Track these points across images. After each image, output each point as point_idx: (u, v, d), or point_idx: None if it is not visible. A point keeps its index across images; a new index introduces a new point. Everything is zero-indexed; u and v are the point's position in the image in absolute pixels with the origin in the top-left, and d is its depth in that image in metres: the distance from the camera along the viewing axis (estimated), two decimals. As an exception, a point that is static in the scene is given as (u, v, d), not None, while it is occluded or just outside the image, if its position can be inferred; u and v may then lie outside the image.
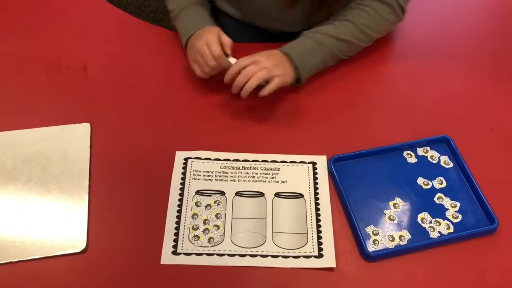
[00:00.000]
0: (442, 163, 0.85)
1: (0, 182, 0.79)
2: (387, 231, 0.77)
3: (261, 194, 0.80)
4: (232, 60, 0.87)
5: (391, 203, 0.80)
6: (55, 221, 0.76)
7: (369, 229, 0.77)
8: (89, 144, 0.84)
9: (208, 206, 0.79)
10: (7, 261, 0.72)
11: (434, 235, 0.77)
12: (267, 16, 1.01)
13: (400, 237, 0.76)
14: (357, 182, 0.82)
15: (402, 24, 0.96)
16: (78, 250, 0.73)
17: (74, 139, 0.84)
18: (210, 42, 0.86)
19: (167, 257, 0.73)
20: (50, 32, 1.01)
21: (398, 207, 0.80)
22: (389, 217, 0.79)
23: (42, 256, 0.72)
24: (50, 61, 0.95)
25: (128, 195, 0.80)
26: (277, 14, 0.98)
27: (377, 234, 0.77)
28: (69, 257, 0.73)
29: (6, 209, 0.76)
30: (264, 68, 0.84)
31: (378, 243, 0.76)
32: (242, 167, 0.84)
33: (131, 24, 1.06)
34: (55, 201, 0.77)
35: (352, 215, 0.77)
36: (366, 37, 0.94)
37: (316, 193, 0.81)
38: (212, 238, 0.76)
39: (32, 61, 0.95)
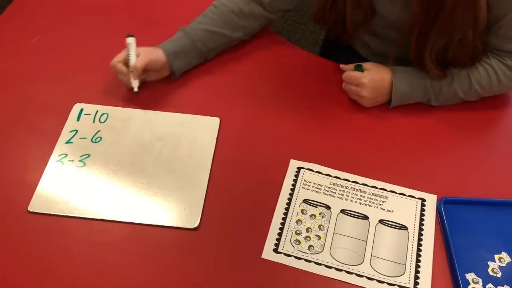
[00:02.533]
0: (558, 230, 0.82)
1: (137, 152, 0.89)
2: (488, 283, 0.76)
3: (365, 217, 0.83)
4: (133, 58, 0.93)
5: (496, 256, 0.79)
6: (176, 196, 0.83)
7: (469, 276, 0.76)
8: (216, 136, 0.92)
9: (312, 216, 0.83)
10: (130, 221, 0.80)
11: (539, 299, 0.74)
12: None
13: (501, 292, 0.75)
14: (464, 228, 0.81)
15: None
16: (192, 226, 0.80)
17: (204, 129, 0.92)
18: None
19: (268, 253, 0.78)
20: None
21: (503, 262, 0.78)
22: (492, 269, 0.77)
23: (161, 224, 0.80)
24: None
25: (242, 188, 0.86)
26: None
27: (477, 283, 0.76)
28: (182, 231, 0.80)
29: (136, 176, 0.86)
30: (359, 96, 0.94)
31: (477, 292, 0.75)
32: (351, 187, 0.87)
33: (267, 35, 1.13)
34: (179, 178, 0.85)
35: (454, 258, 0.77)
36: (474, 93, 0.94)
37: (420, 229, 0.81)
38: (312, 246, 0.79)
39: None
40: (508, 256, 0.79)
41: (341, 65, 0.99)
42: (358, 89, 0.94)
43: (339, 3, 0.93)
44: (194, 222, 0.80)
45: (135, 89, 0.93)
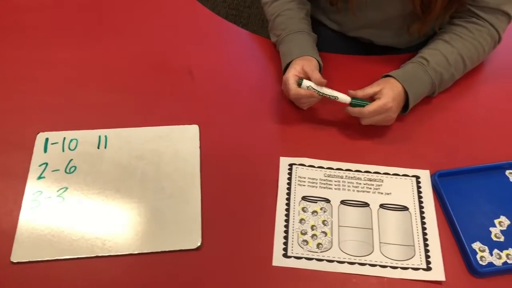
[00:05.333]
0: (545, 184, 0.85)
1: (117, 177, 0.83)
2: (494, 248, 0.77)
3: (366, 204, 0.82)
4: (328, 91, 0.87)
5: (496, 221, 0.81)
6: (171, 217, 0.79)
7: (476, 246, 0.78)
8: (198, 145, 0.87)
9: (314, 212, 0.81)
10: (128, 253, 0.75)
11: (542, 256, 0.77)
12: (365, 27, 1.03)
13: (507, 255, 0.77)
14: (461, 198, 0.83)
15: (504, 42, 0.96)
16: (194, 247, 0.76)
17: (184, 140, 0.87)
18: (286, 83, 0.87)
19: (278, 259, 0.76)
20: (154, 36, 1.05)
21: (503, 226, 0.80)
22: (495, 235, 0.79)
23: (161, 250, 0.75)
24: (157, 63, 0.99)
25: (237, 195, 0.82)
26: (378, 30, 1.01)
27: (483, 251, 0.77)
28: (185, 253, 0.76)
29: (123, 203, 0.80)
30: (389, 119, 0.87)
31: (485, 260, 0.76)
32: (346, 176, 0.85)
33: (231, 30, 1.09)
34: (169, 198, 0.80)
35: (459, 230, 0.78)
36: (467, 70, 0.95)
37: (421, 207, 0.82)
38: (321, 244, 0.78)
39: (142, 63, 0.99)
40: (507, 219, 0.81)
41: (348, 108, 0.88)
42: (387, 115, 0.86)
43: None
44: (196, 242, 0.76)
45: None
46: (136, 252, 0.75)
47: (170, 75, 0.97)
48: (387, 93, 0.86)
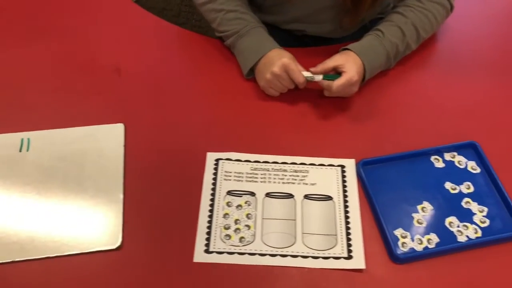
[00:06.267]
0: (469, 169, 0.86)
1: (38, 179, 0.81)
2: (416, 234, 0.78)
3: (290, 196, 0.82)
4: (307, 74, 0.90)
5: (419, 207, 0.81)
6: (92, 218, 0.78)
7: (398, 232, 0.78)
8: (123, 144, 0.86)
9: (239, 206, 0.81)
10: (45, 256, 0.74)
11: (462, 239, 0.78)
12: (299, 21, 1.03)
13: (428, 240, 0.78)
14: (386, 186, 0.83)
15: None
16: (114, 247, 0.75)
17: (109, 139, 0.86)
18: (290, 69, 0.88)
19: (199, 255, 0.75)
20: (83, 35, 1.04)
21: (426, 211, 0.81)
22: (417, 221, 0.80)
23: (79, 252, 0.74)
24: (84, 62, 0.98)
25: (161, 194, 0.81)
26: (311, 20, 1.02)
27: (405, 237, 0.78)
28: (104, 253, 0.75)
29: (44, 206, 0.79)
30: (351, 92, 0.91)
31: (407, 246, 0.77)
32: (272, 168, 0.85)
33: (161, 27, 1.08)
34: (91, 199, 0.80)
35: (380, 218, 0.79)
36: (421, 40, 0.98)
37: (345, 196, 0.82)
38: (244, 237, 0.78)
39: (68, 62, 0.98)
40: (429, 204, 0.81)
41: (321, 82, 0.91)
42: (351, 88, 0.90)
43: None
44: (116, 241, 0.75)
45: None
46: (53, 255, 0.74)
47: (98, 75, 0.96)
48: (351, 67, 0.88)
